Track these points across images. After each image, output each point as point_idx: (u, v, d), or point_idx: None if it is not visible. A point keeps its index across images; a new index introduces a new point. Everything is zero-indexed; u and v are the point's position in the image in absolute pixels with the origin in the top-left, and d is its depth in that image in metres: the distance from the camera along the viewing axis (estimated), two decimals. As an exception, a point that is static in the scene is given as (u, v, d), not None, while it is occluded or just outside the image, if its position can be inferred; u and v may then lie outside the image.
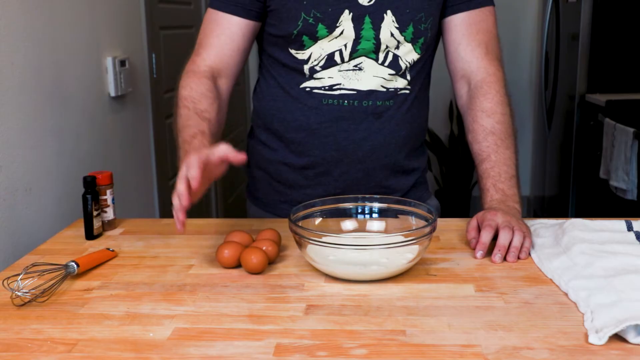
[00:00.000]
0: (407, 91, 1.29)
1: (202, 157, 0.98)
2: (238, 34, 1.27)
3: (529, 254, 1.11)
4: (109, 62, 1.81)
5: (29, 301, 0.95)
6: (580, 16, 3.02)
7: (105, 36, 1.82)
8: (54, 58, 1.50)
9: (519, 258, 1.09)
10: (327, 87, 1.26)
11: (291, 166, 1.33)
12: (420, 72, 1.31)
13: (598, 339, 0.80)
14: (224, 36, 1.27)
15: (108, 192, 1.28)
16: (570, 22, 3.19)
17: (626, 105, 2.78)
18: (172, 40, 2.51)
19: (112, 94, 1.83)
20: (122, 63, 1.89)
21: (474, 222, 1.16)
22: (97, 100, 1.76)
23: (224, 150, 1.00)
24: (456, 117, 3.95)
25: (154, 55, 2.27)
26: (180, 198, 0.97)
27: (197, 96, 1.23)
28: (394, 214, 1.16)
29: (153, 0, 2.32)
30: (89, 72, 1.70)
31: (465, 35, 1.29)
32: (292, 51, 1.26)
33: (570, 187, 3.20)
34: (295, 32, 1.23)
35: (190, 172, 0.97)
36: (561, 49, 3.35)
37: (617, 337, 0.81)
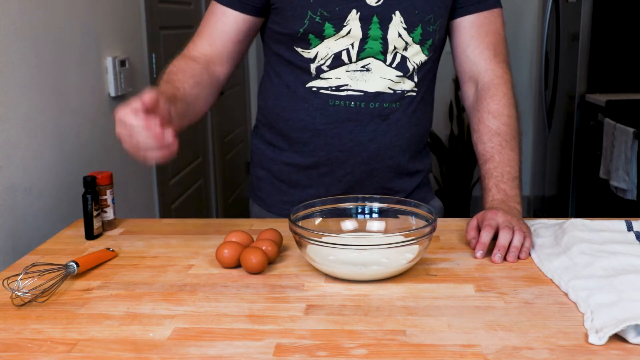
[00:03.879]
0: (414, 93, 1.29)
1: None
2: (232, 27, 1.28)
3: (529, 254, 1.11)
4: (109, 62, 1.81)
5: (29, 301, 0.95)
6: (580, 16, 3.02)
7: (105, 36, 1.82)
8: (54, 58, 1.50)
9: (519, 258, 1.09)
10: (333, 88, 1.25)
11: (295, 166, 1.33)
12: (427, 74, 1.31)
13: (598, 339, 0.80)
14: (217, 27, 1.29)
15: (108, 192, 1.28)
16: (570, 22, 3.19)
17: (626, 105, 2.78)
18: (172, 40, 2.51)
19: (112, 94, 1.83)
20: (122, 63, 1.89)
21: (473, 222, 1.16)
22: (97, 100, 1.76)
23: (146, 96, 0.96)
24: (456, 117, 3.95)
25: (154, 55, 2.27)
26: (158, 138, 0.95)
27: (174, 69, 1.22)
28: (394, 214, 1.16)
29: (153, 0, 2.32)
30: (89, 72, 1.70)
31: (474, 37, 1.30)
32: (298, 49, 1.25)
33: (570, 187, 3.20)
34: (301, 30, 1.22)
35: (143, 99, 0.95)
36: (561, 49, 3.35)
37: (617, 337, 0.81)
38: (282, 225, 1.20)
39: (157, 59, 2.32)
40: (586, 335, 0.83)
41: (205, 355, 0.80)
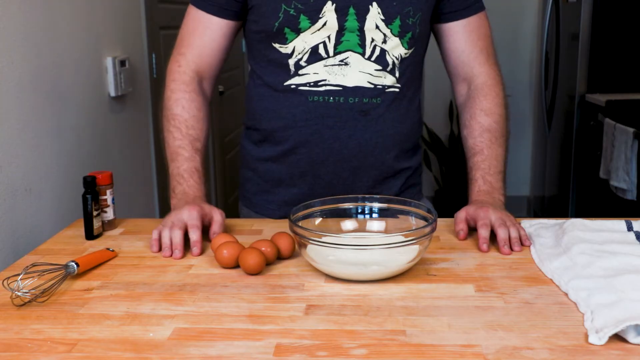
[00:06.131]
0: (396, 89, 1.29)
1: (199, 218, 1.18)
2: (219, 34, 1.31)
3: (529, 246, 1.15)
4: (109, 62, 1.81)
5: (29, 301, 0.95)
6: (580, 16, 3.02)
7: (105, 36, 1.82)
8: (53, 58, 1.50)
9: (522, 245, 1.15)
10: (312, 83, 1.25)
11: (278, 163, 1.33)
12: (410, 71, 1.31)
13: (598, 339, 0.80)
14: (206, 37, 1.31)
15: (108, 192, 1.28)
16: (570, 22, 3.19)
17: (626, 105, 2.78)
18: (172, 40, 2.49)
19: (112, 94, 1.83)
20: (122, 63, 1.89)
21: (462, 214, 1.21)
22: (97, 100, 1.76)
23: (217, 224, 1.19)
24: (456, 117, 3.93)
25: (154, 55, 2.27)
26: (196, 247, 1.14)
27: (189, 118, 1.29)
28: (394, 214, 1.16)
29: (153, 0, 2.32)
30: (89, 72, 1.70)
31: (468, 42, 1.33)
32: (276, 45, 1.26)
33: (570, 187, 3.20)
34: (276, 24, 1.23)
35: (192, 236, 1.14)
36: (561, 49, 3.35)
37: (617, 337, 0.81)
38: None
39: (157, 59, 2.32)
40: (586, 335, 0.83)
41: (205, 355, 0.80)
